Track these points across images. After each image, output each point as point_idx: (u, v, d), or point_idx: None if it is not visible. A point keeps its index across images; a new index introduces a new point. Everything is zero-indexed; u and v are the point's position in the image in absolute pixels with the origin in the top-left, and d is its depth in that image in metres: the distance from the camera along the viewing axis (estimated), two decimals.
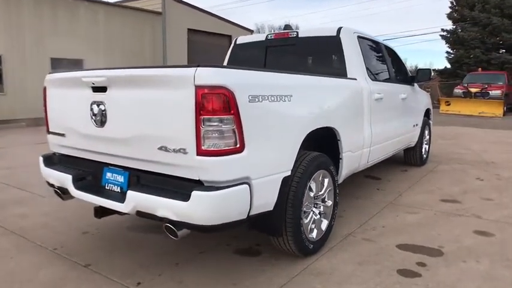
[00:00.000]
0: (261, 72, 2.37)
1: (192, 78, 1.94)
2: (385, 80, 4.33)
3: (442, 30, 23.51)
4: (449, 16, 23.50)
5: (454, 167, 5.94)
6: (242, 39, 4.51)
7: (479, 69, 18.53)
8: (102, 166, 2.59)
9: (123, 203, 2.25)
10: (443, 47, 23.84)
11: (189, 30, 26.27)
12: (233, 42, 4.55)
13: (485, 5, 20.65)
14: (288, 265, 2.72)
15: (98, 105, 2.37)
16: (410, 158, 5.85)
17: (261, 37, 4.30)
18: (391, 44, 5.05)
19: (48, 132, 2.95)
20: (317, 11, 66.13)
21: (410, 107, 5.08)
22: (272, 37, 4.16)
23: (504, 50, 21.00)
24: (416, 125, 5.46)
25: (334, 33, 3.72)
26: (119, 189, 2.46)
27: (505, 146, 7.94)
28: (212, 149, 1.97)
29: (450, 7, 23.58)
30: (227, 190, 2.00)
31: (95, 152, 2.57)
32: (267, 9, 69.86)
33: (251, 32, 34.43)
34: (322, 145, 3.05)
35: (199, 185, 2.04)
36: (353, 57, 3.68)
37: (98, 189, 2.55)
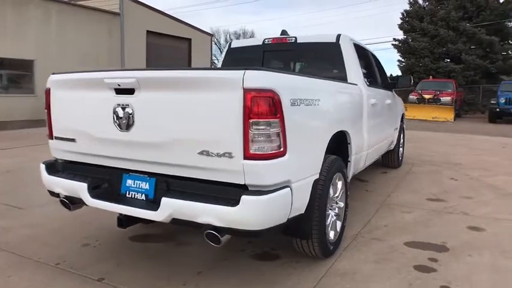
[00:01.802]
0: (299, 77, 2.40)
1: (240, 81, 1.92)
2: (376, 86, 4.52)
3: (394, 39, 24.91)
4: (401, 27, 24.91)
5: (427, 169, 6.30)
6: (237, 43, 4.50)
7: (430, 77, 19.82)
8: (120, 173, 2.47)
9: (155, 210, 2.15)
10: (396, 55, 25.17)
11: (148, 32, 25.63)
12: (227, 46, 4.52)
13: (433, 18, 22.16)
14: (311, 268, 2.75)
15: (124, 108, 2.26)
16: (388, 160, 6.12)
17: (257, 41, 4.32)
18: None
19: (52, 137, 2.75)
20: (272, 19, 67.23)
21: (392, 111, 5.34)
22: (269, 42, 4.19)
23: (449, 60, 22.64)
24: (396, 128, 5.74)
25: (334, 40, 3.83)
26: (143, 197, 2.35)
27: (465, 149, 8.54)
28: (259, 152, 1.96)
29: (401, 18, 25.01)
30: (275, 194, 2.00)
31: (113, 157, 2.44)
32: (222, 14, 69.87)
33: (211, 36, 34.29)
34: (334, 149, 3.12)
35: (244, 189, 2.02)
36: (352, 63, 3.81)
37: (117, 197, 2.43)
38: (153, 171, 2.32)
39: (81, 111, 2.51)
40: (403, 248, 3.13)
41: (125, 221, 2.60)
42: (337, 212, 3.02)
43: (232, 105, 1.95)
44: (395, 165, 6.16)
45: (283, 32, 4.35)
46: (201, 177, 2.12)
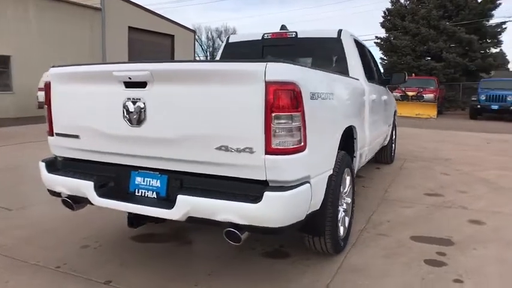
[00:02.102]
0: (316, 70, 2.35)
1: (262, 74, 1.86)
2: (374, 82, 4.52)
3: (376, 37, 25.22)
4: (383, 25, 25.25)
5: (419, 164, 6.38)
6: (235, 37, 4.42)
7: (413, 74, 20.18)
8: (127, 170, 2.37)
9: (170, 209, 2.07)
10: (378, 53, 25.52)
11: (130, 28, 25.18)
12: (225, 41, 4.44)
13: (415, 16, 22.54)
14: (322, 265, 2.72)
15: (135, 103, 2.16)
16: (382, 156, 6.16)
17: (256, 36, 4.25)
18: None
19: (52, 134, 2.62)
20: (253, 15, 67.10)
21: (387, 108, 5.37)
22: (269, 37, 4.14)
23: (430, 58, 23.10)
24: (390, 125, 5.78)
25: (335, 35, 3.81)
26: (154, 195, 2.26)
27: (452, 145, 8.71)
28: (281, 147, 1.90)
29: (383, 16, 25.35)
30: (296, 190, 1.95)
31: (121, 154, 2.34)
32: (202, 11, 69.12)
33: (194, 32, 33.98)
34: (341, 144, 3.09)
35: (264, 185, 1.96)
36: (353, 58, 3.80)
37: (125, 195, 2.33)
38: (164, 168, 2.23)
39: (86, 106, 2.40)
40: (410, 242, 3.14)
41: (135, 220, 2.49)
42: (345, 207, 3.00)
43: (253, 99, 1.89)
44: (388, 161, 6.21)
45: (283, 27, 4.29)
46: (218, 174, 2.05)
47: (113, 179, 2.42)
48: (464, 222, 3.63)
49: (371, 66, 4.63)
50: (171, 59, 29.89)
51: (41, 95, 13.44)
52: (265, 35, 4.18)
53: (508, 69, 28.77)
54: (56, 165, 2.65)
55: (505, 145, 8.74)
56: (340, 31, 3.83)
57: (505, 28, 21.65)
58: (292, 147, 1.93)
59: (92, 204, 2.40)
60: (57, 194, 2.59)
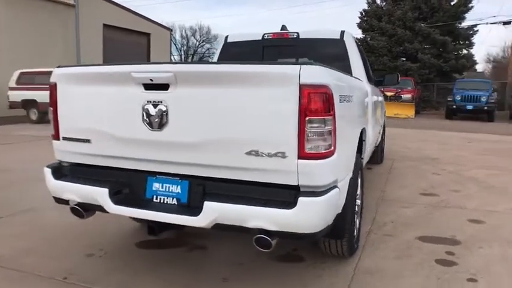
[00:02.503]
0: (340, 73, 2.33)
1: (297, 77, 1.82)
2: (371, 83, 4.57)
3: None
4: (360, 26, 25.70)
5: (407, 164, 6.51)
6: (233, 37, 4.35)
7: None
8: (143, 175, 2.27)
9: (196, 216, 1.99)
10: None
11: (105, 25, 24.53)
12: (223, 40, 4.37)
13: (391, 17, 23.06)
14: (337, 268, 2.71)
15: (156, 106, 2.07)
16: (373, 156, 6.24)
17: (255, 36, 4.20)
18: None
19: (58, 138, 2.47)
20: (229, 15, 66.70)
21: (381, 108, 5.45)
22: (270, 37, 4.10)
23: (405, 59, 23.70)
24: (381, 125, 5.87)
25: (338, 36, 3.82)
26: (174, 201, 2.18)
27: (436, 144, 8.94)
28: (313, 152, 1.88)
29: (360, 17, 25.80)
30: (329, 195, 1.93)
31: (136, 159, 2.24)
32: (176, 9, 68.05)
33: (170, 31, 33.46)
34: None
35: (296, 190, 1.92)
36: (356, 60, 3.82)
37: (142, 202, 2.23)
38: (185, 174, 2.15)
39: (99, 108, 2.28)
40: (417, 243, 3.18)
41: (157, 228, 2.39)
42: (356, 209, 3.00)
43: (286, 102, 1.85)
44: (378, 161, 6.30)
45: (283, 27, 4.26)
46: (246, 179, 1.99)
47: (127, 185, 2.31)
48: (464, 221, 3.72)
49: (367, 67, 4.67)
50: (147, 57, 29.35)
51: (12, 95, 12.87)
52: (266, 35, 4.14)
53: (476, 70, 29.98)
54: (62, 171, 2.51)
55: (484, 144, 9.06)
56: (342, 32, 3.84)
57: (477, 31, 22.53)
58: (324, 151, 1.90)
59: (105, 212, 2.29)
60: (65, 202, 2.46)
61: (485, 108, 15.33)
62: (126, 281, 2.52)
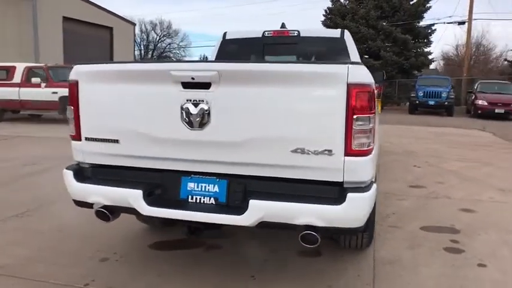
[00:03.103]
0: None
1: (345, 76, 1.88)
2: None
3: None
4: (324, 23, 26.18)
5: (391, 158, 6.78)
6: (232, 34, 4.34)
7: None
8: (176, 175, 2.23)
9: (240, 214, 2.00)
10: None
11: (65, 18, 23.39)
12: (221, 37, 4.34)
13: (355, 16, 23.70)
14: (358, 259, 2.83)
15: (196, 105, 2.04)
16: None
17: (255, 34, 4.21)
18: None
19: (80, 138, 2.36)
20: (190, 10, 65.54)
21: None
22: (270, 34, 4.12)
23: (368, 56, 24.48)
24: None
25: (339, 35, 3.92)
26: (212, 201, 2.17)
27: (412, 139, 9.31)
28: (359, 149, 1.94)
29: (324, 15, 26.31)
30: (372, 190, 2.01)
31: (169, 159, 2.20)
32: (134, 2, 65.83)
33: (134, 25, 32.42)
34: None
35: (340, 187, 1.99)
36: (355, 57, 3.94)
37: (177, 203, 2.20)
38: (224, 172, 2.14)
39: (129, 107, 2.21)
40: (422, 232, 3.36)
41: (197, 228, 2.35)
42: None
43: (334, 101, 1.90)
44: None
45: (283, 25, 4.31)
46: (290, 177, 2.03)
47: (159, 185, 2.26)
48: (457, 211, 3.96)
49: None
50: (110, 52, 28.32)
51: None
52: (266, 33, 4.16)
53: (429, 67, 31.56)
54: (85, 173, 2.41)
55: (453, 138, 9.61)
56: (343, 31, 3.95)
57: (435, 30, 23.70)
58: (366, 148, 1.98)
59: (137, 214, 2.23)
60: (88, 205, 2.36)
61: (446, 103, 16.22)
62: (156, 284, 2.49)
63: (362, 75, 1.93)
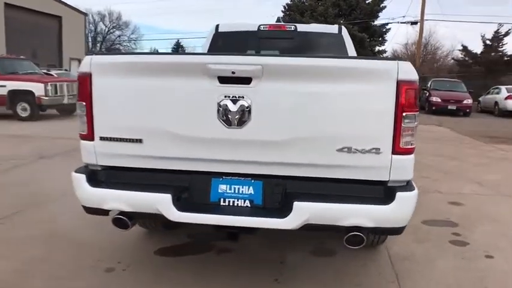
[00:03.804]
0: None
1: (395, 73, 1.82)
2: None
3: None
4: (283, 19, 26.39)
5: None
6: (225, 27, 4.16)
7: None
8: (207, 177, 2.08)
9: (284, 217, 1.89)
10: None
11: (7, 5, 21.68)
12: (214, 30, 4.15)
13: (313, 13, 24.10)
14: (374, 257, 2.84)
15: (235, 101, 1.89)
16: None
17: (250, 27, 4.08)
18: None
19: (92, 138, 2.11)
20: (140, 2, 62.98)
21: None
22: (266, 28, 4.01)
23: None
24: None
25: (336, 31, 3.89)
26: (247, 204, 2.04)
27: None
28: (406, 147, 1.91)
29: (283, 11, 26.53)
30: (416, 189, 1.98)
31: (199, 159, 2.04)
32: None
33: (85, 15, 30.63)
34: None
35: (384, 186, 1.95)
36: (353, 54, 3.94)
37: (208, 207, 2.05)
38: (259, 173, 2.02)
39: (156, 104, 2.00)
40: (424, 227, 3.45)
41: (233, 233, 2.19)
42: None
43: (383, 98, 1.85)
44: None
45: (279, 20, 4.20)
46: (334, 177, 1.95)
47: (187, 189, 2.08)
48: (447, 204, 4.11)
49: None
50: (59, 42, 26.61)
51: None
52: (262, 27, 4.03)
53: None
54: (99, 177, 2.16)
55: (425, 134, 10.01)
56: (340, 27, 3.93)
57: (389, 29, 24.78)
58: (411, 146, 1.95)
59: (164, 221, 2.03)
60: (102, 212, 2.13)
61: None
62: None
63: (411, 71, 1.89)
